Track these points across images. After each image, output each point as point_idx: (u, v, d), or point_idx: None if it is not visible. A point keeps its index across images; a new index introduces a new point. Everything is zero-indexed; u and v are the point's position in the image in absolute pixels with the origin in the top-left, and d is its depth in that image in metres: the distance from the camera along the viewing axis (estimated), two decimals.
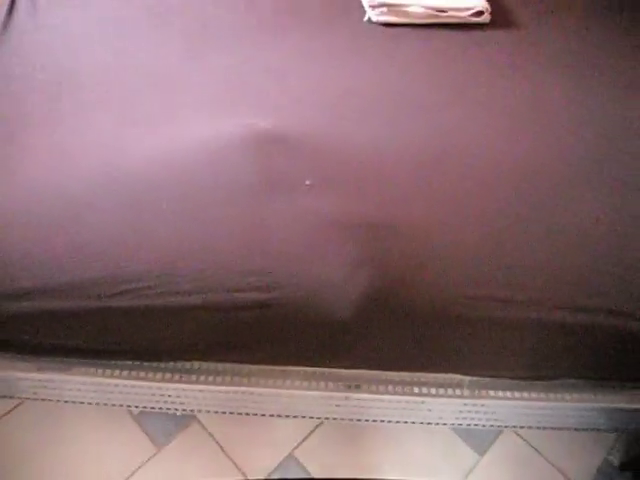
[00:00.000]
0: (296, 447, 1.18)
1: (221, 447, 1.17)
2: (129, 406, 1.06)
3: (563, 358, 0.91)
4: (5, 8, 1.43)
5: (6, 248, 0.90)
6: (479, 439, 1.21)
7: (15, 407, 1.19)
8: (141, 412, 1.21)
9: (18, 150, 1.04)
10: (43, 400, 1.04)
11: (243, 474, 1.14)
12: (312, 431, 1.20)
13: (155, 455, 1.16)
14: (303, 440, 1.19)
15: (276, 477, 1.14)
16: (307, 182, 1.01)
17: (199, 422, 1.21)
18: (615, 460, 1.19)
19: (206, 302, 0.88)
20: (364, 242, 0.91)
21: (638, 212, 1.00)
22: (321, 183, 1.01)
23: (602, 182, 1.05)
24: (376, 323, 0.88)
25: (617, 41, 1.42)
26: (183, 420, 1.21)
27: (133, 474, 1.13)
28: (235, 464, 1.16)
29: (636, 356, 0.90)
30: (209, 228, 0.95)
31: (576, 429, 1.05)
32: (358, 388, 0.95)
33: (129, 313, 0.89)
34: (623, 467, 1.18)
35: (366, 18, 1.42)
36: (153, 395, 1.00)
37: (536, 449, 1.20)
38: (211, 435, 1.19)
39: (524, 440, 1.21)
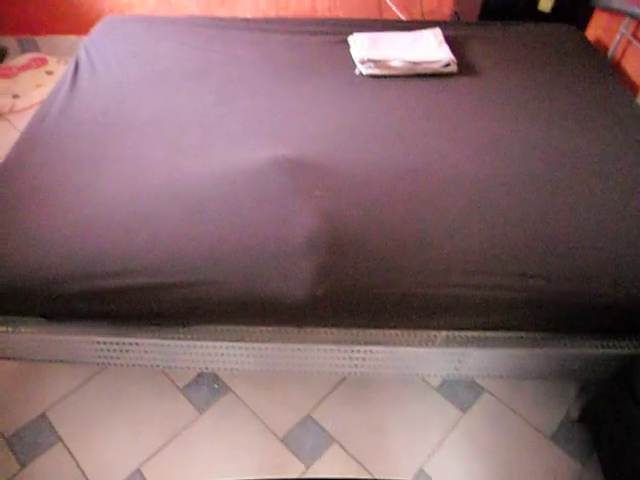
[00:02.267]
0: (313, 409, 1.45)
1: (252, 410, 1.44)
2: (170, 367, 1.32)
3: (509, 313, 1.20)
4: (71, 73, 1.82)
5: (97, 241, 1.21)
6: (462, 400, 1.47)
7: (92, 376, 1.49)
8: (186, 385, 1.48)
9: (100, 174, 1.38)
10: (109, 364, 1.32)
11: (271, 431, 1.40)
12: (327, 394, 1.47)
13: (198, 418, 1.42)
14: (319, 403, 1.46)
15: (298, 434, 1.40)
16: (317, 193, 1.34)
17: (233, 392, 1.48)
18: (575, 412, 1.45)
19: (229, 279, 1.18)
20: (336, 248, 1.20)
21: (552, 209, 1.32)
22: (326, 194, 1.34)
23: (531, 186, 1.38)
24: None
25: (559, 88, 1.77)
26: (220, 391, 1.48)
27: (182, 432, 1.39)
28: (264, 423, 1.42)
29: (562, 311, 1.20)
30: (245, 229, 1.26)
31: (535, 377, 1.32)
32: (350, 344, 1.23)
33: (182, 287, 1.18)
34: (580, 419, 1.44)
35: (357, 72, 1.80)
36: (190, 355, 1.28)
37: (509, 406, 1.46)
38: (243, 401, 1.46)
39: (499, 400, 1.48)
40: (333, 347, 1.24)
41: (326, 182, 1.37)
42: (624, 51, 2.04)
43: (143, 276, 1.18)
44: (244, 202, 1.30)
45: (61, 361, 1.33)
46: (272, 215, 1.27)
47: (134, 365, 1.31)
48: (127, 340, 1.24)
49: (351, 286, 1.18)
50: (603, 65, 1.93)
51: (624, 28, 1.99)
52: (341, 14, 2.66)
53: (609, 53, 2.08)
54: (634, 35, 1.96)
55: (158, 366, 1.32)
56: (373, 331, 1.25)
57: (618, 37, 2.02)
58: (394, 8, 2.67)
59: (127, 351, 1.27)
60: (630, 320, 1.22)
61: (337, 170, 1.41)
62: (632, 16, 1.92)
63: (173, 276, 1.19)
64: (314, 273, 1.17)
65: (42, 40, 2.81)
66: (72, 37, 2.73)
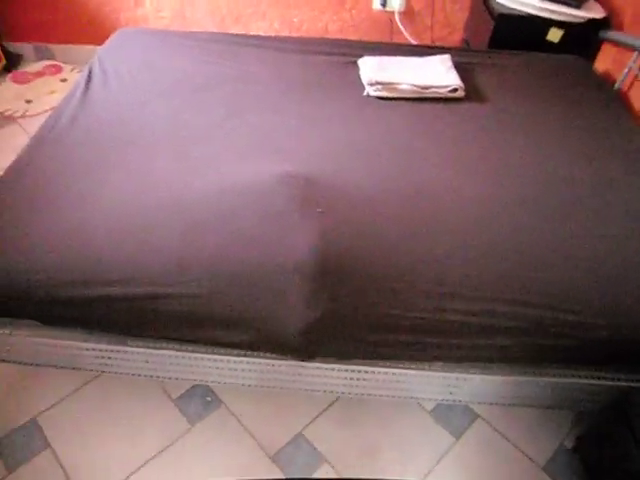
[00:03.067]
0: (305, 427, 1.43)
1: (243, 426, 1.43)
2: (164, 377, 1.33)
3: (506, 341, 1.19)
4: (83, 82, 1.84)
5: (97, 249, 1.22)
6: (455, 425, 1.46)
7: (86, 383, 1.49)
8: (179, 396, 1.47)
9: (105, 183, 1.39)
10: (104, 372, 1.33)
11: (262, 448, 1.39)
12: (320, 413, 1.46)
13: (190, 430, 1.41)
14: (311, 422, 1.45)
15: (289, 452, 1.39)
16: (319, 210, 1.34)
17: (226, 406, 1.47)
18: (569, 443, 1.43)
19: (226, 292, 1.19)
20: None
21: (553, 238, 1.32)
22: (329, 211, 1.35)
23: (536, 214, 1.39)
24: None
25: (565, 117, 1.79)
26: (212, 404, 1.47)
27: (173, 444, 1.39)
28: (255, 440, 1.41)
29: (559, 341, 1.19)
30: (245, 244, 1.26)
31: (530, 405, 1.31)
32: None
33: (178, 298, 1.18)
34: (575, 449, 1.42)
35: (365, 93, 1.82)
36: (185, 366, 1.28)
37: (502, 434, 1.45)
38: (235, 416, 1.45)
39: (493, 427, 1.46)
40: (328, 366, 1.24)
41: (329, 200, 1.38)
42: (631, 84, 2.06)
43: (140, 285, 1.19)
44: (246, 217, 1.30)
45: (56, 366, 1.33)
46: (273, 232, 1.27)
47: (128, 374, 1.31)
48: (122, 348, 1.24)
49: (346, 309, 1.17)
50: (610, 97, 1.95)
51: (632, 62, 2.01)
52: (352, 37, 2.70)
53: (616, 85, 2.09)
54: None
55: (152, 376, 1.32)
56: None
57: (626, 70, 2.04)
58: (405, 33, 2.71)
59: (122, 359, 1.27)
60: (626, 352, 1.21)
61: (341, 188, 1.42)
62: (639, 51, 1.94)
63: (170, 287, 1.19)
64: (309, 296, 1.16)
65: (58, 48, 2.86)
66: (87, 47, 2.77)
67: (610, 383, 1.24)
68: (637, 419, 1.15)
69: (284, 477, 1.34)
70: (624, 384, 1.23)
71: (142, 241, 1.25)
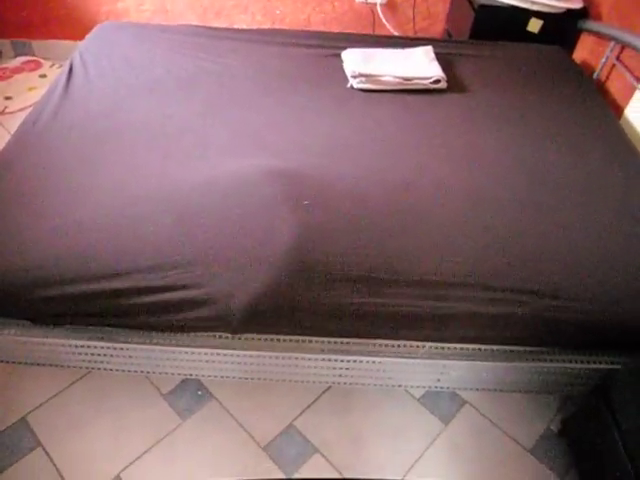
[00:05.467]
0: (296, 418, 1.45)
1: (235, 419, 1.44)
2: (154, 372, 1.34)
3: (492, 327, 1.22)
4: (64, 77, 1.82)
5: (85, 244, 1.22)
6: (443, 411, 1.48)
7: (75, 381, 1.48)
8: (169, 391, 1.48)
9: (90, 176, 1.38)
10: (93, 369, 1.33)
11: (254, 440, 1.40)
12: (310, 404, 1.47)
13: (181, 425, 1.42)
14: (302, 412, 1.46)
15: (280, 443, 1.40)
16: (305, 202, 1.35)
17: (217, 399, 1.47)
18: (556, 426, 1.47)
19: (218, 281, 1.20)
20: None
21: (537, 226, 1.35)
22: (315, 203, 1.35)
23: (519, 203, 1.41)
24: None
25: (546, 107, 1.82)
26: (203, 398, 1.47)
27: (164, 438, 1.39)
28: (247, 432, 1.42)
29: (543, 327, 1.22)
30: (233, 235, 1.27)
31: (517, 391, 1.34)
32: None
33: (167, 291, 1.19)
34: (561, 433, 1.46)
35: (349, 85, 1.83)
36: (175, 360, 1.28)
37: (490, 419, 1.48)
38: (226, 409, 1.45)
39: (480, 412, 1.49)
40: (317, 357, 1.25)
41: (314, 193, 1.39)
42: (609, 74, 2.09)
43: (129, 280, 1.19)
44: (232, 210, 1.31)
45: (44, 364, 1.32)
46: (260, 224, 1.28)
47: (118, 370, 1.31)
48: (111, 345, 1.24)
49: (335, 296, 1.19)
50: (589, 86, 1.98)
51: (609, 51, 2.04)
52: (335, 28, 2.70)
53: (595, 75, 2.13)
54: (618, 58, 2.02)
55: (142, 371, 1.32)
56: (357, 340, 1.26)
57: (603, 60, 2.08)
58: (387, 25, 2.72)
59: (111, 356, 1.27)
60: (608, 336, 1.24)
61: (326, 181, 1.43)
62: (616, 40, 1.97)
63: (160, 280, 1.19)
64: (296, 283, 1.18)
65: (37, 44, 2.81)
66: (67, 42, 2.73)
67: (594, 366, 1.27)
68: (618, 402, 1.18)
69: (280, 472, 1.35)
70: (606, 367, 1.26)
71: (129, 234, 1.25)
